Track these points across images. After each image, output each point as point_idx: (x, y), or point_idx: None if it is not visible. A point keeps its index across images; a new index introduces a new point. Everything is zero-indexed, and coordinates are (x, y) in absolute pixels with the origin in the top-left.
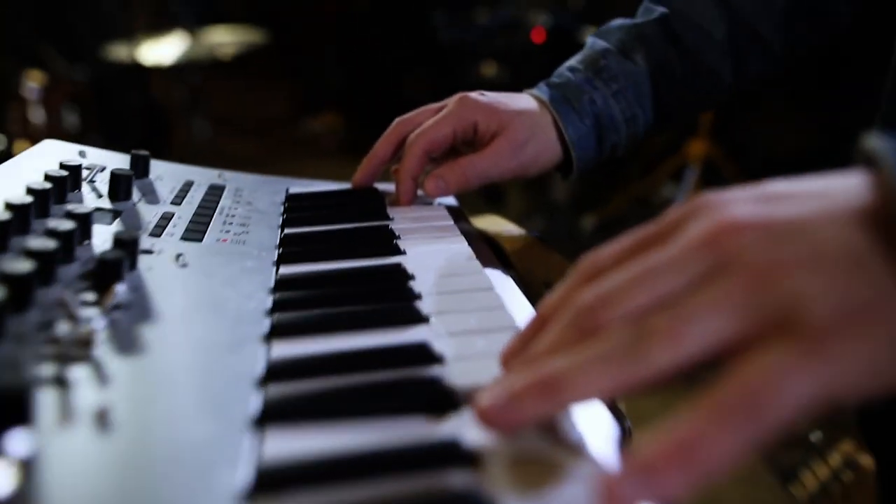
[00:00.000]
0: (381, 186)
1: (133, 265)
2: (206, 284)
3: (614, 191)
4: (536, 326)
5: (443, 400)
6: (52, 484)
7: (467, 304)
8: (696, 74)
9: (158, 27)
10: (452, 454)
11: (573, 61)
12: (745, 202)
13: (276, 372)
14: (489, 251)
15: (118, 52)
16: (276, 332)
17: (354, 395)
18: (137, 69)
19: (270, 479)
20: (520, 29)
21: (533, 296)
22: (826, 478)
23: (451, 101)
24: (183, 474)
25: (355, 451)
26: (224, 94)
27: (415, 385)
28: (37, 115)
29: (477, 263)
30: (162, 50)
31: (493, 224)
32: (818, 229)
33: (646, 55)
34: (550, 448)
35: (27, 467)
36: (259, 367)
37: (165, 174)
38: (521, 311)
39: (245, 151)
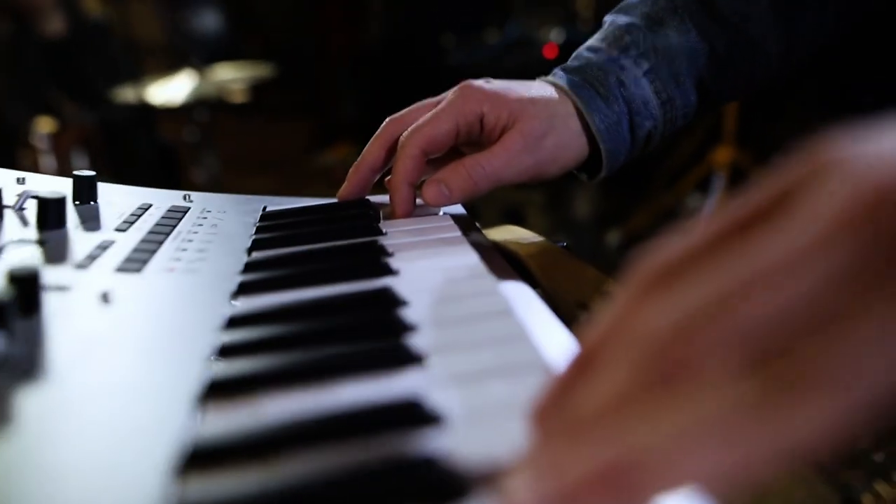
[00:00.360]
0: (376, 199)
1: (32, 308)
2: (132, 329)
3: (638, 204)
4: (580, 367)
5: (448, 488)
6: None
7: (478, 335)
8: (739, 48)
9: (167, 67)
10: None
11: (592, 41)
12: (884, 152)
13: (207, 456)
14: (507, 266)
15: (126, 94)
16: (214, 393)
17: None
18: (146, 110)
19: None
20: (531, 46)
21: (565, 321)
22: (892, 498)
23: (451, 92)
24: None
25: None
26: (237, 131)
27: (401, 475)
28: (47, 162)
29: (491, 281)
30: (171, 90)
31: (510, 234)
32: None
33: (679, 27)
34: None
35: None
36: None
37: (118, 198)
38: (553, 341)
39: (258, 188)
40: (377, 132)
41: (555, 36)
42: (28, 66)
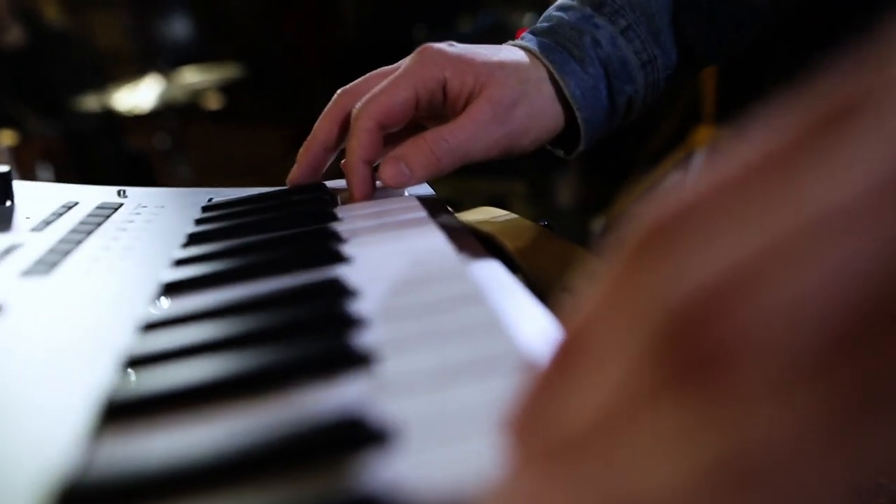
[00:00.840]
0: (333, 184)
1: None
2: (26, 340)
3: (621, 190)
4: (565, 363)
5: None
6: None
7: (443, 326)
8: (723, 4)
9: (133, 74)
10: None
11: (562, 1)
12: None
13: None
14: (480, 248)
15: (90, 102)
16: (114, 413)
17: None
18: (111, 119)
19: None
20: (505, 33)
21: (549, 308)
22: None
23: (409, 58)
24: None
25: None
26: (212, 138)
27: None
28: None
29: (459, 264)
30: (137, 97)
31: (484, 215)
32: None
33: None
34: None
35: None
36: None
37: (40, 198)
38: (534, 331)
39: None
40: (328, 106)
41: (528, 21)
42: None
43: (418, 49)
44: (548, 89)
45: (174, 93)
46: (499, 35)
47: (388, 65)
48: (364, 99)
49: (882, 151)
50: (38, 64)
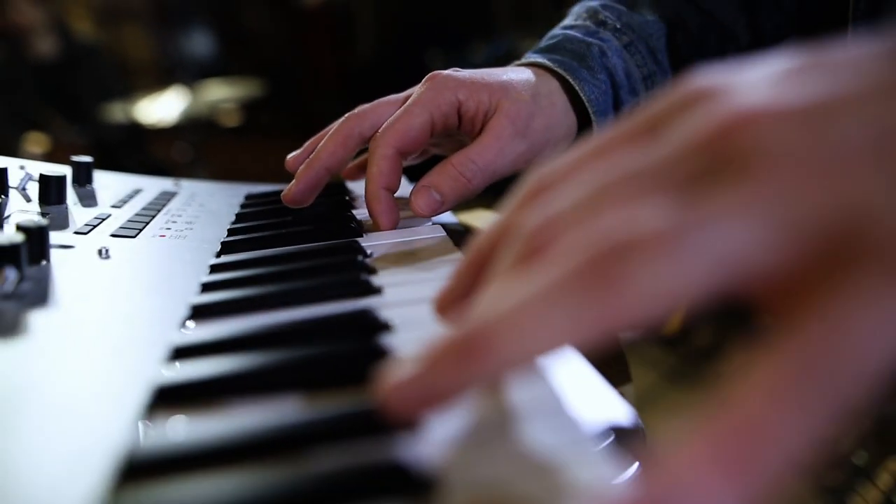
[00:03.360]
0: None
1: (41, 256)
2: (127, 273)
3: None
4: (475, 263)
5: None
6: None
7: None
8: (712, 30)
9: (157, 85)
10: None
11: (566, 21)
12: (757, 83)
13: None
14: None
15: (117, 113)
16: (196, 314)
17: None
18: (136, 129)
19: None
20: (515, 60)
21: None
22: (877, 501)
23: (420, 85)
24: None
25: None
26: (230, 151)
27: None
28: None
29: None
30: (161, 109)
31: (480, 220)
32: (862, 111)
33: (654, 6)
34: (524, 464)
35: None
36: (162, 354)
37: (113, 184)
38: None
39: None
40: (335, 127)
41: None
42: (20, 87)
43: (428, 77)
44: (560, 99)
45: (196, 107)
46: (507, 62)
47: (401, 86)
48: (382, 128)
49: (677, 140)
50: (68, 75)
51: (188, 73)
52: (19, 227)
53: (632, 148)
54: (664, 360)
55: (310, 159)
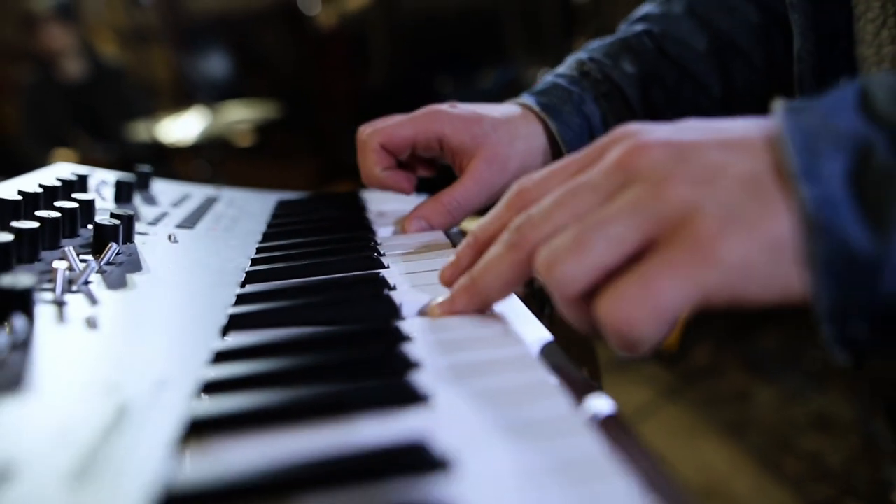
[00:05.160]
0: (370, 194)
1: (129, 238)
2: (193, 253)
3: None
4: (472, 248)
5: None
6: (42, 359)
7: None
8: (686, 83)
9: (179, 106)
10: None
11: (558, 70)
12: (657, 130)
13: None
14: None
15: (141, 131)
16: (249, 279)
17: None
18: (159, 147)
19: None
20: (522, 87)
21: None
22: None
23: (418, 111)
24: (152, 361)
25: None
26: (245, 171)
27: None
28: None
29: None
30: (183, 128)
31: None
32: (715, 152)
33: (633, 61)
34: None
35: (24, 346)
36: (229, 300)
37: (166, 189)
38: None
39: None
40: (363, 144)
41: (541, 77)
42: (51, 107)
43: (429, 107)
44: (538, 141)
45: (215, 127)
46: (517, 91)
47: (411, 110)
48: (371, 128)
49: (597, 170)
50: (95, 95)
51: (208, 95)
52: (113, 215)
53: (580, 172)
54: (661, 377)
55: (369, 176)
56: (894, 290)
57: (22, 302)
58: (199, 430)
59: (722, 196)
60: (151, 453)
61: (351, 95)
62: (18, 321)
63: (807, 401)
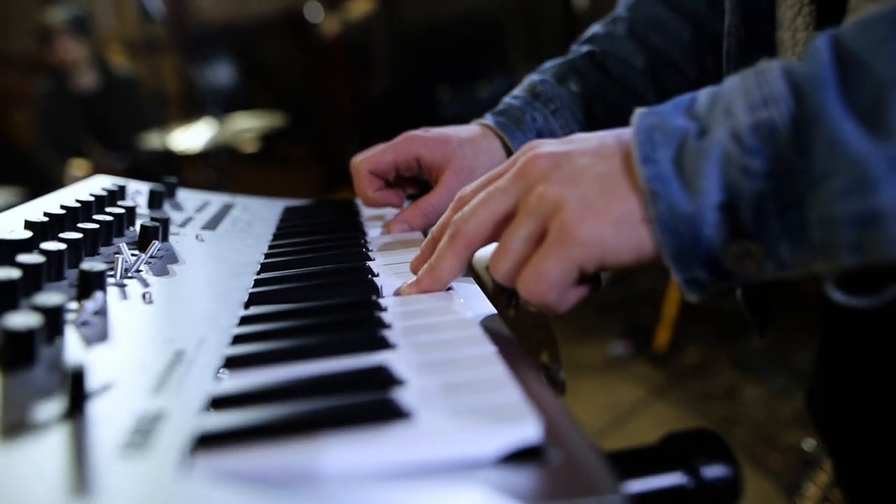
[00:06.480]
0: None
1: (165, 237)
2: (217, 249)
3: None
4: (430, 243)
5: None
6: (117, 322)
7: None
8: (626, 98)
9: (189, 116)
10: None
11: (514, 92)
12: (550, 144)
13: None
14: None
15: (153, 140)
16: (263, 269)
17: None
18: (170, 155)
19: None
20: None
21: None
22: (825, 484)
23: (399, 137)
24: (195, 325)
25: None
26: (251, 178)
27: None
28: None
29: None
30: (191, 137)
31: None
32: (582, 159)
33: (578, 81)
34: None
35: (103, 313)
36: (248, 284)
37: (189, 197)
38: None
39: None
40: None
41: None
42: (63, 117)
43: (404, 134)
44: (498, 155)
45: (222, 136)
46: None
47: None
48: (361, 157)
49: (504, 178)
50: (107, 105)
51: (217, 106)
52: (153, 219)
53: (498, 179)
54: (652, 376)
55: (366, 198)
56: (711, 232)
57: (99, 281)
58: (231, 363)
59: (582, 192)
60: (201, 377)
61: (354, 103)
62: (99, 295)
63: (792, 398)
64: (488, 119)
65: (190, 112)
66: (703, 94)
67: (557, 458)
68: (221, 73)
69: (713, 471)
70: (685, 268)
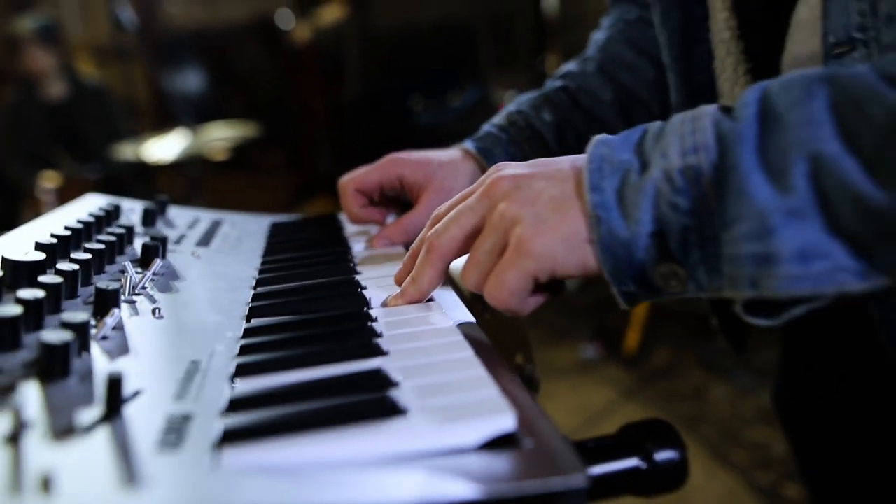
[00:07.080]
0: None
1: (164, 255)
2: (212, 265)
3: None
4: (411, 258)
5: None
6: (133, 336)
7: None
8: (596, 127)
9: (161, 125)
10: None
11: (494, 120)
12: (514, 167)
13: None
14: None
15: (125, 151)
16: (259, 284)
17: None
18: (142, 166)
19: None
20: (489, 107)
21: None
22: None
23: (384, 158)
24: (204, 337)
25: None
26: (224, 187)
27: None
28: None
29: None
30: (164, 147)
31: None
32: (539, 182)
33: (551, 112)
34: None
35: (120, 328)
36: (247, 298)
37: (180, 214)
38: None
39: None
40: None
41: (507, 98)
42: (32, 127)
43: (389, 155)
44: (476, 176)
45: (195, 145)
46: (484, 109)
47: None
48: (347, 177)
49: (472, 197)
50: (77, 115)
51: (189, 115)
52: (153, 238)
53: (468, 197)
54: (623, 378)
55: (351, 214)
56: (643, 255)
57: (115, 299)
58: (241, 371)
59: (537, 211)
60: (217, 383)
61: (326, 110)
62: (116, 311)
63: (756, 397)
64: (468, 144)
65: (162, 121)
66: (652, 131)
67: (530, 444)
68: (192, 81)
69: (663, 455)
70: (620, 282)
